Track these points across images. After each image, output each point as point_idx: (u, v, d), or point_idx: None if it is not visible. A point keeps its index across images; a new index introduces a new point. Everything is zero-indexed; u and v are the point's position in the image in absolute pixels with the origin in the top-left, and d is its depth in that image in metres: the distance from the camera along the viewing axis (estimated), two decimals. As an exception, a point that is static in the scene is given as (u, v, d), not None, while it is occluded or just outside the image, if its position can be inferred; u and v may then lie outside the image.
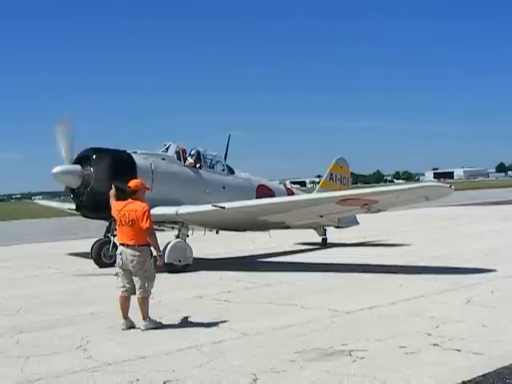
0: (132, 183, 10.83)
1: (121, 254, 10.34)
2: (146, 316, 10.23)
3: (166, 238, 16.89)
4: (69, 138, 17.93)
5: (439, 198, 18.91)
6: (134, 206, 10.40)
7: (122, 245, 10.40)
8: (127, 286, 10.33)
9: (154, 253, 10.63)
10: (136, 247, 10.26)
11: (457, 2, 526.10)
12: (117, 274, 10.58)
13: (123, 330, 10.14)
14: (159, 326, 10.25)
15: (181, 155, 19.36)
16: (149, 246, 10.49)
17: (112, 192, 11.61)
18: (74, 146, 18.05)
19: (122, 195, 11.41)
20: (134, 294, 10.31)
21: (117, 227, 10.68)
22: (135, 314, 10.29)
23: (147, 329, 10.09)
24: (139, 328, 10.15)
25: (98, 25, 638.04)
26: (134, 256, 10.20)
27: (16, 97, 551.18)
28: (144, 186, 10.95)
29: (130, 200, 10.58)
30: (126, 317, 10.31)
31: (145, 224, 10.25)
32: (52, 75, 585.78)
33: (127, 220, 10.31)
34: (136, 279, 10.25)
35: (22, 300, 13.61)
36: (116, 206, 10.76)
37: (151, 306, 10.42)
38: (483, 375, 7.23)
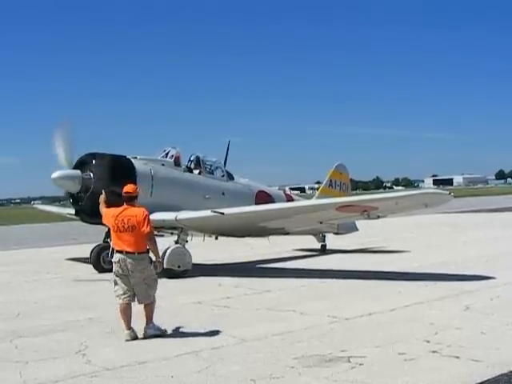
0: (130, 188, 10.58)
1: (119, 261, 10.02)
2: (149, 321, 10.01)
3: (163, 243, 16.89)
4: (68, 143, 17.95)
5: (438, 204, 18.95)
6: (134, 212, 10.19)
7: (120, 252, 10.06)
8: (127, 292, 9.99)
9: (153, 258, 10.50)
10: (136, 255, 9.99)
11: (456, 7, 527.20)
12: (114, 282, 10.17)
13: (128, 340, 9.78)
14: (163, 332, 10.01)
15: (179, 161, 19.36)
16: (148, 252, 10.28)
17: (102, 198, 11.46)
18: (73, 151, 18.08)
19: (119, 200, 11.34)
20: (134, 301, 10.07)
21: (112, 233, 10.29)
22: (133, 322, 10.14)
23: (150, 334, 9.88)
24: (141, 335, 9.94)
25: (97, 29, 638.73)
26: (134, 264, 9.94)
27: (14, 101, 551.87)
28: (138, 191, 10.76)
29: (126, 206, 10.33)
30: (129, 327, 9.92)
31: (146, 229, 10.03)
32: (51, 79, 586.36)
33: (127, 226, 10.04)
34: (138, 287, 9.98)
35: (21, 305, 13.61)
36: (110, 212, 10.46)
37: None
38: (482, 382, 7.23)
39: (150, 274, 10.12)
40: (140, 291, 10.01)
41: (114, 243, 10.27)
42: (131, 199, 10.44)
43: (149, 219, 10.20)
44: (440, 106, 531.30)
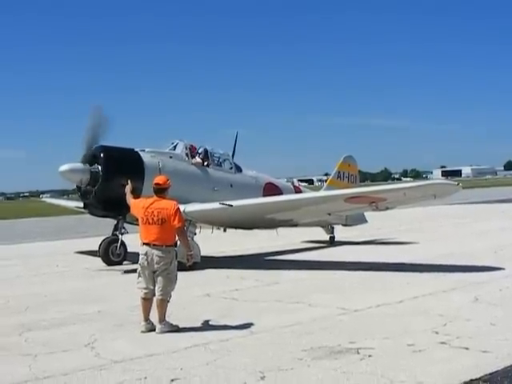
0: (161, 180, 10.43)
1: (146, 254, 9.90)
2: (162, 319, 9.87)
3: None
4: (96, 129, 17.95)
5: (447, 195, 18.92)
6: (165, 204, 10.03)
7: (147, 244, 9.91)
8: (150, 288, 9.92)
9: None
10: (163, 248, 9.86)
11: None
12: (138, 273, 10.10)
13: (143, 332, 9.81)
14: (175, 329, 9.88)
15: (189, 153, 19.35)
16: (175, 246, 10.19)
17: (129, 188, 11.34)
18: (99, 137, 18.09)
19: (134, 193, 11.31)
20: (154, 295, 9.96)
21: (141, 225, 10.10)
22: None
23: (162, 332, 9.75)
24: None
25: (100, 20, 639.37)
26: (161, 257, 9.81)
27: (23, 94, 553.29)
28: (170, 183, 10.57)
29: (156, 197, 10.21)
30: (146, 319, 9.95)
31: (177, 223, 9.91)
32: (58, 72, 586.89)
33: (156, 218, 9.88)
34: (159, 280, 9.86)
35: (30, 298, 13.64)
36: (140, 203, 10.35)
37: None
38: (491, 373, 7.21)
39: (173, 269, 10.00)
40: (160, 285, 9.88)
41: (141, 235, 10.09)
42: (161, 191, 10.29)
43: (180, 213, 10.09)
44: (448, 96, 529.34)
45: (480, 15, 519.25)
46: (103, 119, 18.10)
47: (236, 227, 20.31)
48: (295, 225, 20.69)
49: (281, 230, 21.64)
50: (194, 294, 13.28)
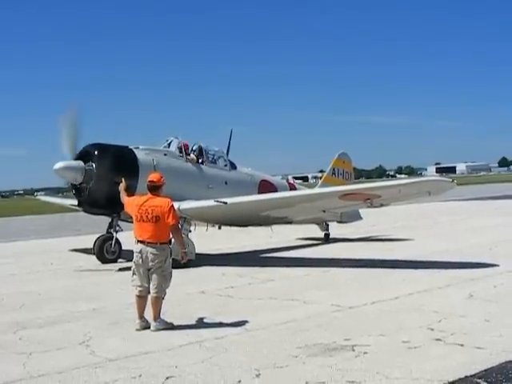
0: (155, 177, 10.39)
1: (140, 251, 9.88)
2: (157, 316, 9.86)
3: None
4: (73, 130, 17.82)
5: (441, 192, 18.94)
6: (159, 202, 10.02)
7: (142, 242, 9.89)
8: (145, 285, 9.90)
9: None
10: (158, 245, 9.85)
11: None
12: (132, 271, 10.08)
13: (138, 330, 9.80)
14: (170, 326, 9.87)
15: (183, 150, 19.33)
16: (169, 243, 10.18)
17: (123, 186, 11.32)
18: (78, 139, 17.97)
19: (128, 191, 11.29)
20: (149, 293, 9.94)
21: (135, 223, 10.08)
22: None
23: (157, 330, 9.74)
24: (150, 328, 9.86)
25: (100, 17, 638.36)
26: (155, 254, 9.80)
27: (18, 91, 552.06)
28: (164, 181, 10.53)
29: (150, 195, 10.20)
30: (141, 316, 9.94)
31: (171, 220, 9.90)
32: (57, 69, 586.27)
33: (150, 216, 9.87)
34: (153, 277, 9.85)
35: (25, 296, 13.60)
36: (134, 200, 10.33)
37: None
38: (486, 370, 7.22)
39: (168, 266, 9.99)
40: (155, 282, 9.87)
41: (135, 233, 10.07)
42: (156, 188, 10.26)
43: (174, 210, 10.08)
44: (443, 94, 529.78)
45: (478, 12, 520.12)
46: (77, 118, 17.99)
47: (231, 224, 20.29)
48: (290, 222, 20.68)
49: (276, 227, 21.63)
50: (188, 291, 13.26)
